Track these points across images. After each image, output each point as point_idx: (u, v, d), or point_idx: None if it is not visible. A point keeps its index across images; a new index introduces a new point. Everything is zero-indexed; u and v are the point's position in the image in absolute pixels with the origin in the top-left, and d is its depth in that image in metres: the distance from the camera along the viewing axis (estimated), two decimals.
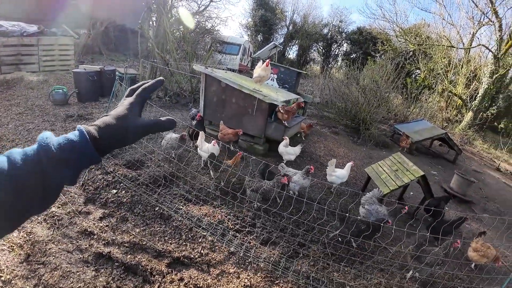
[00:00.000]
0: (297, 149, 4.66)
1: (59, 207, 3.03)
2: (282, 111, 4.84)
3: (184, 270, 2.67)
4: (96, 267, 2.48)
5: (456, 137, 12.30)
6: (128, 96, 0.70)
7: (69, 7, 10.52)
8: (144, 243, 2.80)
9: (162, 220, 3.15)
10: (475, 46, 17.28)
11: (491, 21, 15.84)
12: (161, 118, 0.69)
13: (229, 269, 2.77)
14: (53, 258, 2.45)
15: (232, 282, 2.64)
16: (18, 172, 0.51)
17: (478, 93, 15.65)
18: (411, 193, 5.08)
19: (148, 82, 0.71)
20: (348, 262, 3.11)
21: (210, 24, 14.52)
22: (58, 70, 8.23)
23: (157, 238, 2.91)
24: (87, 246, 2.65)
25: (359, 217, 3.50)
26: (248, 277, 2.72)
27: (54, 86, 6.02)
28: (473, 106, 15.57)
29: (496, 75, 14.98)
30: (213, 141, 4.07)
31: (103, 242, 2.73)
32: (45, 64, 7.93)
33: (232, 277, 2.69)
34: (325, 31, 25.53)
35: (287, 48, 26.36)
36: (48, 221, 2.83)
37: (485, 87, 15.19)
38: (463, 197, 5.84)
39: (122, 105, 0.66)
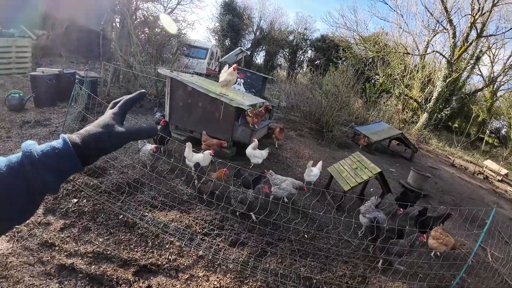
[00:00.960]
0: (264, 153, 4.78)
1: None
2: (251, 114, 4.95)
3: (151, 278, 2.61)
4: (59, 279, 2.37)
5: (412, 137, 13.38)
6: (110, 108, 0.73)
7: (28, 6, 9.78)
8: (108, 252, 2.70)
9: (127, 228, 3.06)
10: (430, 53, 19.08)
11: (446, 29, 17.57)
12: (143, 126, 0.72)
13: (198, 273, 2.76)
14: (15, 272, 2.31)
15: (202, 286, 2.63)
16: (2, 178, 0.52)
17: (432, 96, 17.18)
18: (371, 189, 5.44)
19: (130, 95, 0.74)
20: (314, 257, 3.26)
21: (177, 27, 14.28)
22: (15, 73, 7.64)
23: (122, 247, 2.82)
24: (49, 258, 2.52)
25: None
26: (218, 279, 2.73)
27: (10, 91, 5.63)
28: (428, 108, 17.06)
29: (450, 79, 16.57)
30: (210, 151, 4.22)
31: (66, 253, 2.60)
32: (1, 67, 7.35)
33: (202, 281, 2.69)
34: (291, 37, 26.42)
35: (255, 53, 26.81)
36: (7, 234, 2.63)
37: (439, 90, 16.73)
38: (420, 191, 6.36)
39: (105, 115, 0.69)
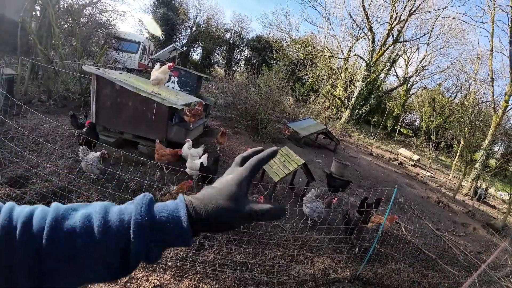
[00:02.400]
0: (199, 150, 4.89)
1: None
2: (188, 114, 5.00)
3: (89, 285, 2.55)
4: None
5: (337, 131, 15.03)
6: (239, 164, 0.60)
7: None
8: None
9: None
10: (352, 56, 21.53)
11: (366, 35, 19.97)
12: (273, 206, 0.56)
13: (137, 274, 2.79)
14: None
15: (142, 286, 2.68)
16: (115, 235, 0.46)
17: (353, 94, 19.52)
18: (300, 179, 6.07)
19: (264, 152, 0.62)
20: (249, 244, 3.58)
21: (106, 18, 13.06)
22: None
23: None
24: None
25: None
26: (158, 278, 2.81)
27: None
28: (350, 105, 19.34)
29: (368, 79, 19.03)
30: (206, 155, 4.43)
31: None
32: None
33: (141, 281, 2.73)
34: (228, 36, 26.60)
35: (191, 50, 26.19)
36: None
37: (359, 89, 19.08)
38: (341, 178, 7.31)
39: (233, 178, 0.56)
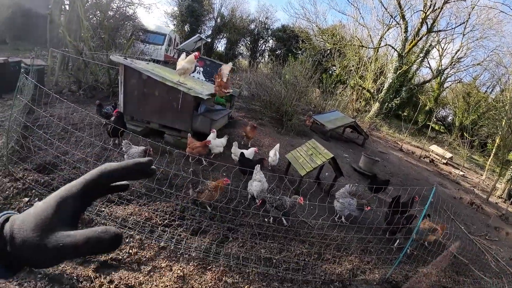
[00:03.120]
0: (223, 140, 4.82)
1: None
2: (216, 85, 5.04)
3: (113, 273, 2.58)
4: (18, 282, 2.27)
5: (365, 125, 14.40)
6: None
7: None
8: None
9: (83, 225, 2.94)
10: (383, 46, 20.39)
11: (398, 23, 18.80)
12: (99, 231, 0.40)
13: (160, 264, 2.78)
14: None
15: (165, 276, 2.67)
16: None
17: (384, 87, 18.54)
18: (326, 173, 5.83)
19: (119, 164, 0.45)
20: (273, 239, 3.46)
21: (132, 10, 13.36)
22: None
23: None
24: None
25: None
26: (181, 268, 2.78)
27: None
28: (380, 97, 18.41)
29: (400, 71, 17.94)
30: (255, 148, 4.57)
31: None
32: None
33: (165, 271, 2.72)
34: (252, 26, 26.22)
35: (215, 41, 26.17)
36: None
37: (390, 81, 18.08)
38: (370, 173, 6.96)
39: (55, 197, 0.43)
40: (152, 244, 2.94)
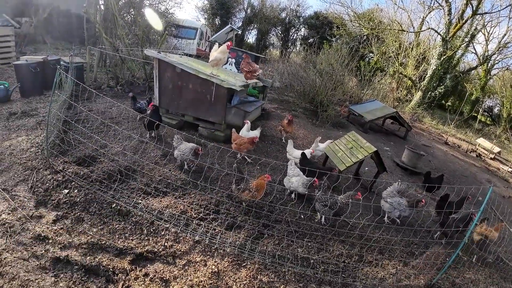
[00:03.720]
0: (257, 132, 4.67)
1: (9, 214, 2.75)
2: (246, 69, 4.99)
3: (148, 265, 2.59)
4: (55, 273, 2.34)
5: (406, 115, 13.38)
6: None
7: None
8: (103, 242, 2.66)
9: (121, 217, 3.00)
10: (425, 30, 18.69)
11: (441, 5, 17.08)
12: None
13: (195, 258, 2.74)
14: (10, 268, 2.28)
15: (200, 271, 2.62)
16: None
17: (426, 74, 17.02)
18: (366, 168, 5.45)
19: None
20: (310, 237, 3.26)
21: (164, 7, 13.66)
22: None
23: (117, 236, 2.77)
24: (43, 251, 2.47)
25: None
26: (215, 263, 2.72)
27: None
28: (422, 86, 16.96)
29: (444, 57, 16.33)
30: (311, 150, 4.40)
31: (60, 246, 2.56)
32: None
33: (199, 266, 2.68)
34: (283, 15, 25.60)
35: (246, 33, 26.03)
36: (0, 229, 2.57)
37: (433, 68, 16.53)
38: (414, 169, 6.40)
39: None
40: (187, 237, 2.91)
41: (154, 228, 2.94)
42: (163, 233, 2.91)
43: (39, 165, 3.46)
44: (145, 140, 4.25)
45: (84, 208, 3.00)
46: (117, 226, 2.88)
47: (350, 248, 3.27)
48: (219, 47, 4.68)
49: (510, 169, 11.26)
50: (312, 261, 2.96)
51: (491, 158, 12.46)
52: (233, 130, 4.49)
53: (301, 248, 3.08)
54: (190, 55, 12.87)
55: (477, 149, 12.88)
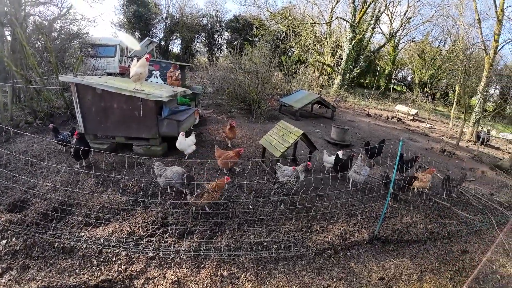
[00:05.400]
0: (193, 138, 4.76)
1: None
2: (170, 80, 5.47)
3: None
4: None
5: (331, 98, 14.77)
6: None
7: None
8: (54, 284, 2.52)
9: (66, 254, 2.84)
10: (334, 19, 20.75)
11: None
12: None
13: (153, 274, 2.75)
14: None
15: (160, 284, 2.65)
16: None
17: (342, 59, 19.00)
18: (302, 151, 5.97)
19: None
20: (260, 223, 3.52)
21: (77, 27, 12.57)
22: None
23: (67, 274, 2.63)
24: None
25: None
26: (174, 273, 2.77)
27: None
28: (340, 70, 18.90)
29: (355, 41, 18.41)
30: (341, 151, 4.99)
31: None
32: None
33: (158, 280, 2.70)
34: (204, 21, 25.68)
35: (170, 43, 25.41)
36: None
37: (347, 53, 18.55)
38: (343, 142, 7.20)
39: None
40: (140, 257, 2.89)
41: (103, 256, 2.85)
42: (114, 259, 2.84)
43: None
44: (77, 169, 4.00)
45: (27, 254, 2.79)
46: (64, 264, 2.72)
47: (297, 223, 3.62)
48: (137, 61, 4.62)
49: (428, 125, 13.33)
50: (265, 243, 3.21)
51: (410, 120, 14.55)
52: (216, 147, 4.52)
53: (253, 235, 3.31)
54: (113, 74, 12.12)
55: (396, 115, 14.88)
